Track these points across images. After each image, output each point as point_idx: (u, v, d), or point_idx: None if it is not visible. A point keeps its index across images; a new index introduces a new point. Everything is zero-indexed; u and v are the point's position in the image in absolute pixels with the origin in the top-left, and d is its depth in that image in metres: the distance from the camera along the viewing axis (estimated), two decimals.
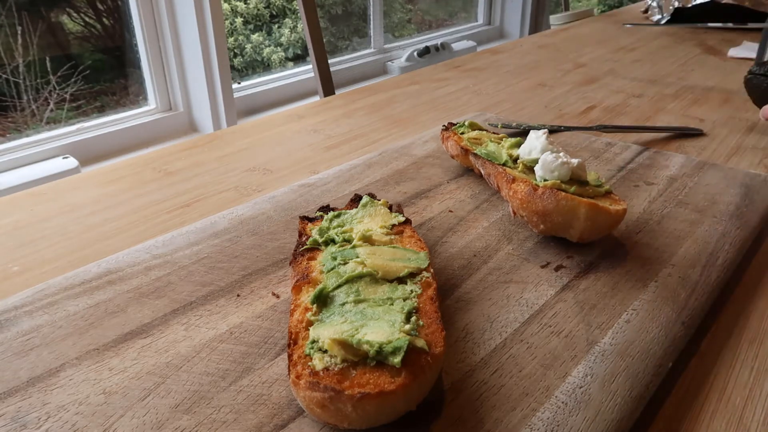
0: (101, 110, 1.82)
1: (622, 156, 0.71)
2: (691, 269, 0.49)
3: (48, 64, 1.69)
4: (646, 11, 1.86)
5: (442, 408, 0.36)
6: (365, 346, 0.33)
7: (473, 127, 0.70)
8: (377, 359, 0.33)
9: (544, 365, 0.39)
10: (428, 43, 2.64)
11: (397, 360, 0.33)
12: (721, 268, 0.50)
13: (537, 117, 0.92)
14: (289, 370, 0.34)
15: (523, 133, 0.81)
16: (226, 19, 2.18)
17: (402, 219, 0.49)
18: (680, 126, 0.86)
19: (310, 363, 0.34)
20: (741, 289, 0.51)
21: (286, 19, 2.41)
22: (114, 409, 0.36)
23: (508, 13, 3.27)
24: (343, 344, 0.33)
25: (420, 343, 0.34)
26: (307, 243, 0.46)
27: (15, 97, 1.65)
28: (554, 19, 2.42)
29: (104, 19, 1.87)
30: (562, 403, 0.36)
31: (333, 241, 0.46)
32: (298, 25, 2.38)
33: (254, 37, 2.31)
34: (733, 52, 1.30)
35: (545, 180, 0.52)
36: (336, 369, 0.33)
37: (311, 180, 0.66)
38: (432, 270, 0.42)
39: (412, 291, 0.40)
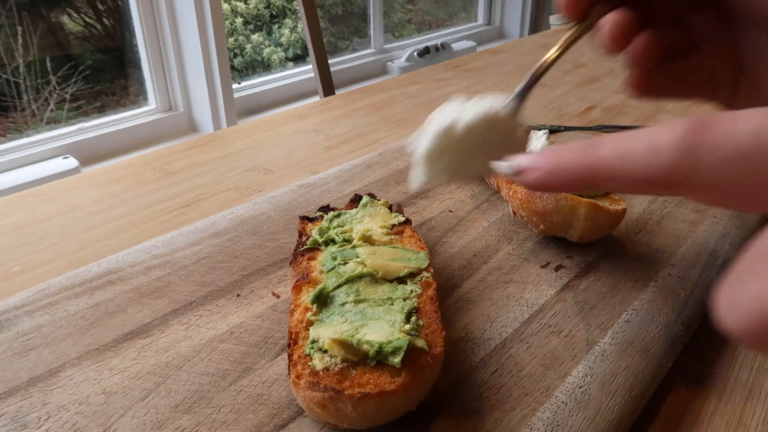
0: (101, 110, 1.82)
1: None
2: (691, 269, 0.49)
3: (48, 64, 1.70)
4: None
5: (442, 408, 0.36)
6: (365, 346, 0.33)
7: None
8: (377, 359, 0.33)
9: (544, 365, 0.39)
10: (428, 43, 2.64)
11: (397, 360, 0.33)
12: (721, 268, 0.50)
13: (537, 117, 0.92)
14: (289, 370, 0.34)
15: None
16: (226, 19, 2.18)
17: (402, 219, 0.49)
18: None
19: (310, 363, 0.34)
20: None
21: (286, 19, 2.41)
22: (114, 408, 0.36)
23: (508, 13, 3.28)
24: (343, 344, 0.33)
25: (420, 343, 0.34)
26: (307, 243, 0.46)
27: (15, 97, 1.65)
28: (554, 19, 2.42)
29: (104, 19, 1.87)
30: (562, 402, 0.36)
31: (333, 241, 0.46)
32: (298, 25, 2.38)
33: (254, 37, 2.31)
34: None
35: None
36: (336, 369, 0.33)
37: (311, 180, 0.66)
38: (432, 270, 0.42)
39: (412, 291, 0.40)
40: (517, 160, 0.24)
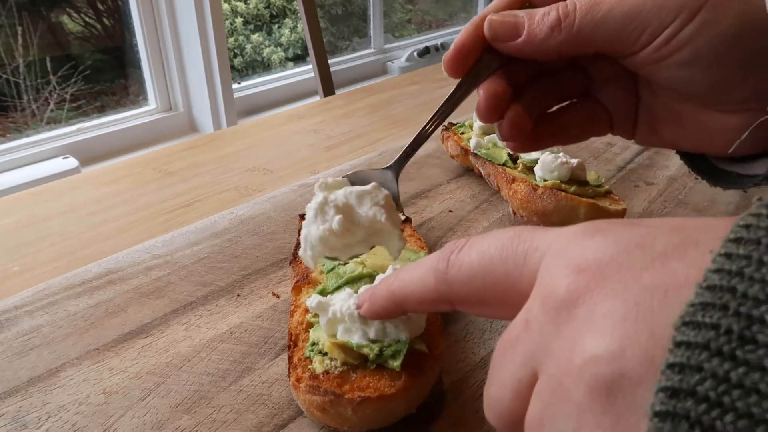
0: (101, 110, 1.82)
1: (622, 156, 0.72)
2: None
3: (48, 64, 1.69)
4: None
5: (442, 408, 0.36)
6: (365, 350, 0.33)
7: None
8: (377, 362, 0.33)
9: None
10: (428, 43, 2.64)
11: (397, 363, 0.32)
12: None
13: None
14: (290, 373, 0.34)
15: None
16: (226, 19, 2.18)
17: (402, 218, 0.49)
18: None
19: (310, 366, 0.34)
20: None
21: (286, 19, 2.41)
22: (114, 408, 0.36)
23: None
24: (343, 347, 0.33)
25: (420, 345, 0.34)
26: None
27: (15, 97, 1.65)
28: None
29: (104, 19, 1.87)
30: None
31: None
32: (298, 25, 2.38)
33: (254, 37, 2.31)
34: None
35: (545, 180, 0.52)
36: (336, 372, 0.33)
37: (311, 180, 0.66)
38: None
39: None
40: (359, 298, 0.31)
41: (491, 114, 0.36)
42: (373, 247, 0.39)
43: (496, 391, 0.20)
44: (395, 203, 0.39)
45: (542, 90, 0.37)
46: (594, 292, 0.17)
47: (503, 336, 0.20)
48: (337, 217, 0.36)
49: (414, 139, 0.39)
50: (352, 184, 0.39)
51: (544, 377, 0.18)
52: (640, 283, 0.16)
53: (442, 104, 0.36)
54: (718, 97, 0.32)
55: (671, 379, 0.14)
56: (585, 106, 0.38)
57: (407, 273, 0.26)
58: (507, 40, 0.34)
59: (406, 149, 0.39)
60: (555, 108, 0.38)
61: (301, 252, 0.39)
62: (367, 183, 0.39)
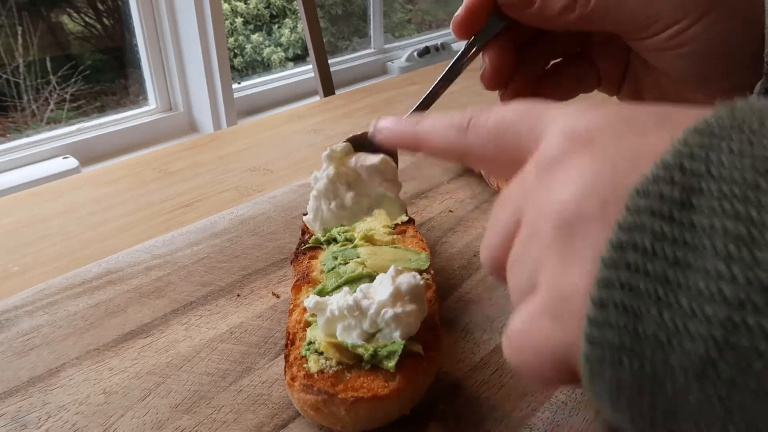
0: (101, 110, 1.82)
1: None
2: None
3: (48, 64, 1.70)
4: None
5: (441, 408, 0.36)
6: (360, 350, 0.33)
7: None
8: (372, 363, 0.33)
9: None
10: (428, 43, 2.64)
11: (391, 364, 0.32)
12: None
13: None
14: (285, 371, 0.34)
15: None
16: (226, 19, 2.18)
17: (405, 218, 0.49)
18: None
19: (305, 365, 0.34)
20: None
21: (286, 19, 2.41)
22: (114, 408, 0.36)
23: None
24: (339, 347, 0.33)
25: (415, 347, 0.34)
26: (309, 241, 0.46)
27: (15, 97, 1.65)
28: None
29: (104, 19, 1.87)
30: (562, 402, 0.36)
31: (335, 240, 0.45)
32: (298, 25, 2.38)
33: (254, 37, 2.31)
34: None
35: None
36: (331, 372, 0.33)
37: (311, 180, 0.66)
38: (432, 271, 0.42)
39: None
40: (378, 122, 0.31)
41: (496, 84, 0.39)
42: (373, 211, 0.43)
43: (490, 238, 0.23)
44: (395, 163, 0.43)
45: (542, 50, 0.40)
46: (578, 153, 0.19)
47: (503, 191, 0.23)
48: (350, 194, 0.39)
49: (419, 103, 0.40)
50: (355, 147, 0.41)
51: (524, 224, 0.21)
52: (617, 148, 0.19)
53: (448, 68, 0.38)
54: (706, 84, 0.34)
55: (619, 236, 0.16)
56: (577, 65, 0.41)
57: (432, 121, 0.28)
58: (519, 8, 0.35)
59: (411, 113, 0.40)
60: (550, 65, 0.41)
61: (308, 221, 0.41)
62: (370, 146, 0.41)
